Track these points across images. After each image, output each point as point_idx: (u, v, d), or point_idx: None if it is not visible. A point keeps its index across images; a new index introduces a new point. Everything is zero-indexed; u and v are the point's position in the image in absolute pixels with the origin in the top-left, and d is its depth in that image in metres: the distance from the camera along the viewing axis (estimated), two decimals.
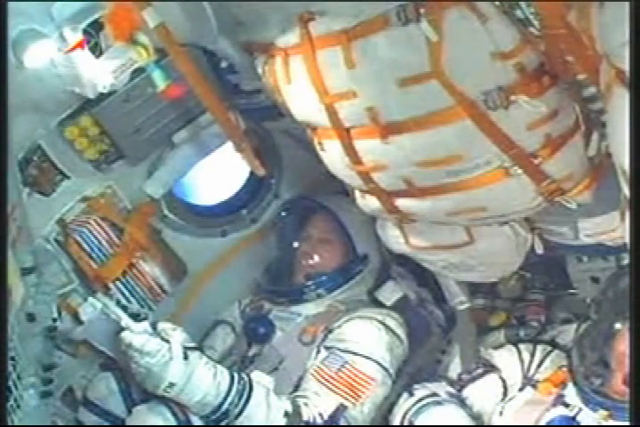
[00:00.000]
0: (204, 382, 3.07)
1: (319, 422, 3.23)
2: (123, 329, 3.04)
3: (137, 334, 3.02)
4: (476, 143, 2.66)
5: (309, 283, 3.70)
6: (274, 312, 3.71)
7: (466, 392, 3.40)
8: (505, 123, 2.61)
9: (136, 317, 3.15)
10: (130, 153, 3.32)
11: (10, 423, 2.60)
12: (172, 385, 3.03)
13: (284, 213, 3.99)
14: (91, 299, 3.14)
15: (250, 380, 3.18)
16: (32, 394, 2.83)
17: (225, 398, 3.09)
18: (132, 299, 3.41)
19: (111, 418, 3.27)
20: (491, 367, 3.42)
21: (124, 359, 3.08)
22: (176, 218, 3.73)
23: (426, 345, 3.77)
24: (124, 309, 3.17)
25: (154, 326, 3.11)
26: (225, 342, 3.78)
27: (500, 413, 3.23)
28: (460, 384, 3.43)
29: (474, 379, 3.41)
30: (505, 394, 3.30)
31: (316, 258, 3.77)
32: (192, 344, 3.16)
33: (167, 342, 3.05)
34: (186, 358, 3.05)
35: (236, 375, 3.16)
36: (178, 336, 3.10)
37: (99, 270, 3.29)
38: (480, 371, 3.42)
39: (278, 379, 3.34)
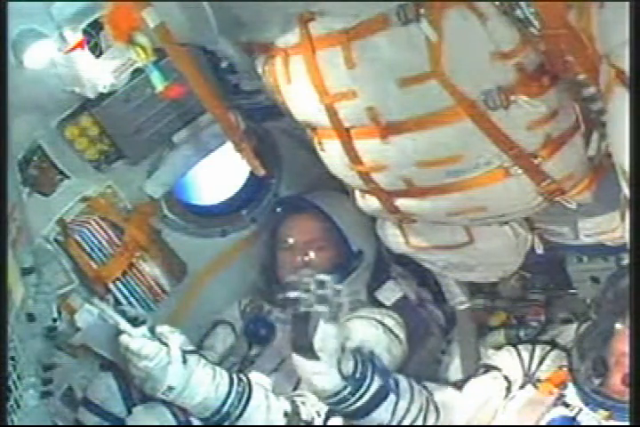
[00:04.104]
0: (203, 384, 3.05)
1: (317, 420, 3.23)
2: (121, 332, 3.02)
3: (134, 338, 3.01)
4: (476, 143, 2.66)
5: None
6: (274, 313, 3.71)
7: (467, 387, 3.38)
8: (505, 123, 2.61)
9: (134, 320, 3.12)
10: (130, 153, 3.32)
11: (10, 423, 2.60)
12: (170, 389, 3.02)
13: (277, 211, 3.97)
14: (87, 305, 3.10)
15: (249, 381, 3.17)
16: (32, 394, 2.83)
17: (225, 401, 3.08)
18: (131, 299, 3.39)
19: (111, 418, 3.26)
20: (492, 368, 3.41)
21: (123, 362, 3.08)
22: (176, 218, 3.72)
23: (426, 345, 3.76)
24: (123, 313, 3.13)
25: (152, 329, 3.10)
26: (225, 343, 3.77)
27: (502, 412, 3.23)
28: (460, 382, 3.41)
29: (475, 375, 3.40)
30: (509, 389, 3.29)
31: (311, 257, 3.75)
32: (191, 347, 3.15)
33: (165, 345, 3.04)
34: (184, 361, 3.03)
35: (235, 377, 3.15)
36: (176, 339, 3.09)
37: (99, 270, 3.28)
38: (481, 371, 3.42)
39: (279, 379, 3.35)
